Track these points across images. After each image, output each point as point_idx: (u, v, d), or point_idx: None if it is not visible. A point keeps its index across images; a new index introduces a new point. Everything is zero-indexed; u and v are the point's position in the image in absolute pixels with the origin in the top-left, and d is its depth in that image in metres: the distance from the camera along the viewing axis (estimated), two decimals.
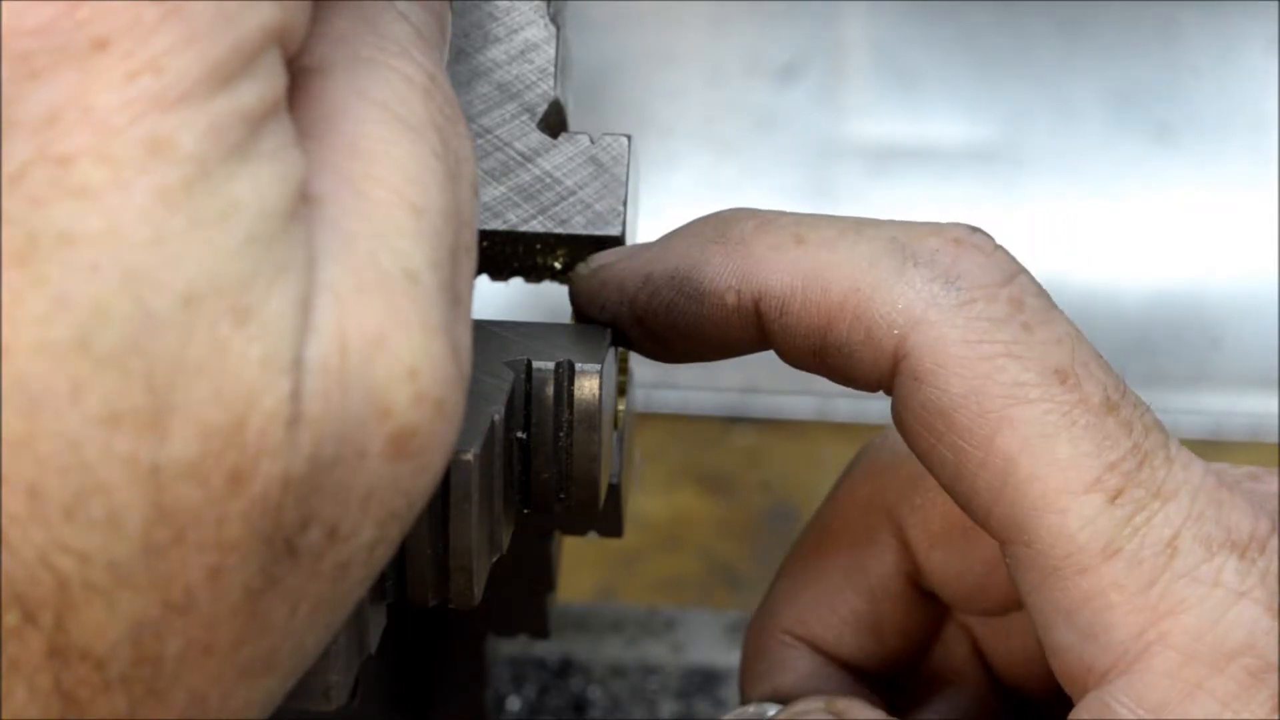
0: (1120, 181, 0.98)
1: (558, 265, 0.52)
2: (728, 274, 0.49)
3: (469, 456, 0.44)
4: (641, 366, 0.57)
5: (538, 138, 0.52)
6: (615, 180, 0.52)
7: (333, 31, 0.38)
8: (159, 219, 0.32)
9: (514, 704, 0.76)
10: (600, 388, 0.48)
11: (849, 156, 0.98)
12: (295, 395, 0.34)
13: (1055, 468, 0.46)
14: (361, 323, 0.35)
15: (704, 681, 0.79)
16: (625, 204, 0.52)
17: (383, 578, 0.45)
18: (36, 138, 0.32)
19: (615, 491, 0.57)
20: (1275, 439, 0.95)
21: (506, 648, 0.77)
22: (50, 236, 0.32)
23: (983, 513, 0.47)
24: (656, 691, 0.77)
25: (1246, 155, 0.98)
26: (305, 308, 0.34)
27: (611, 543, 0.62)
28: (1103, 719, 0.45)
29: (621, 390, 0.54)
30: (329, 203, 0.36)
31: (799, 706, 0.52)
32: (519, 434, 0.48)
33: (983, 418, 0.46)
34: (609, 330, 0.51)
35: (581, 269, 0.51)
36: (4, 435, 0.32)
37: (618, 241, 0.52)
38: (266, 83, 0.34)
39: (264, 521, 0.34)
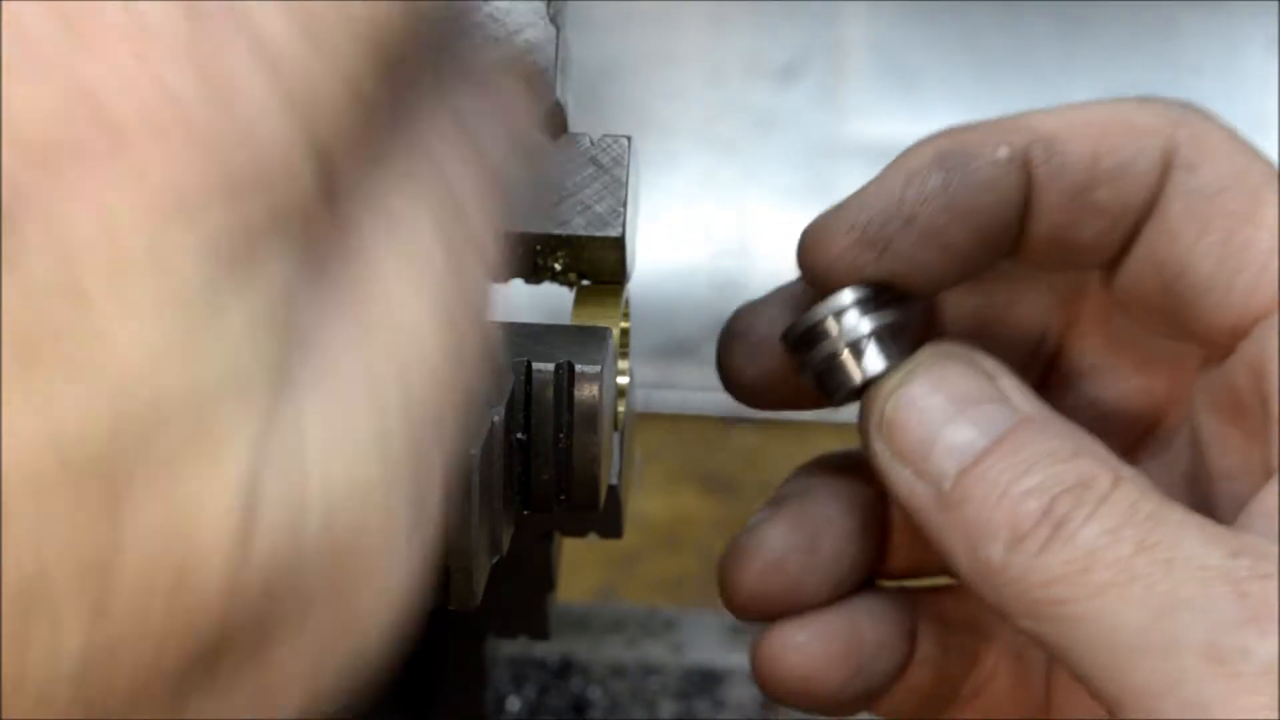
0: None
1: (558, 266, 0.52)
2: (992, 135, 0.51)
3: (470, 456, 0.44)
4: (642, 366, 0.57)
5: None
6: (615, 181, 0.52)
7: (368, 163, 0.38)
8: (149, 330, 0.32)
9: (514, 704, 0.76)
10: (600, 389, 0.48)
11: (849, 156, 0.98)
12: (247, 531, 0.33)
13: None
14: (328, 474, 0.34)
15: (704, 681, 0.79)
16: (625, 205, 0.52)
17: None
18: (40, 231, 0.31)
19: (615, 492, 0.57)
20: None
21: (506, 648, 0.77)
22: (43, 333, 0.31)
23: (1249, 283, 0.49)
24: (656, 691, 0.77)
25: None
26: (274, 446, 0.34)
27: (611, 543, 0.62)
28: None
29: (621, 391, 0.54)
30: (322, 345, 0.35)
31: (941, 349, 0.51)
32: (519, 435, 0.48)
33: (1251, 196, 0.50)
34: (609, 330, 0.51)
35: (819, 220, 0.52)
36: None
37: (618, 242, 0.52)
38: (282, 196, 0.34)
39: (195, 649, 0.34)
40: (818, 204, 0.53)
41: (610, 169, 0.52)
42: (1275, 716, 0.42)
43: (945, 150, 0.51)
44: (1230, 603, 0.44)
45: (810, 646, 0.54)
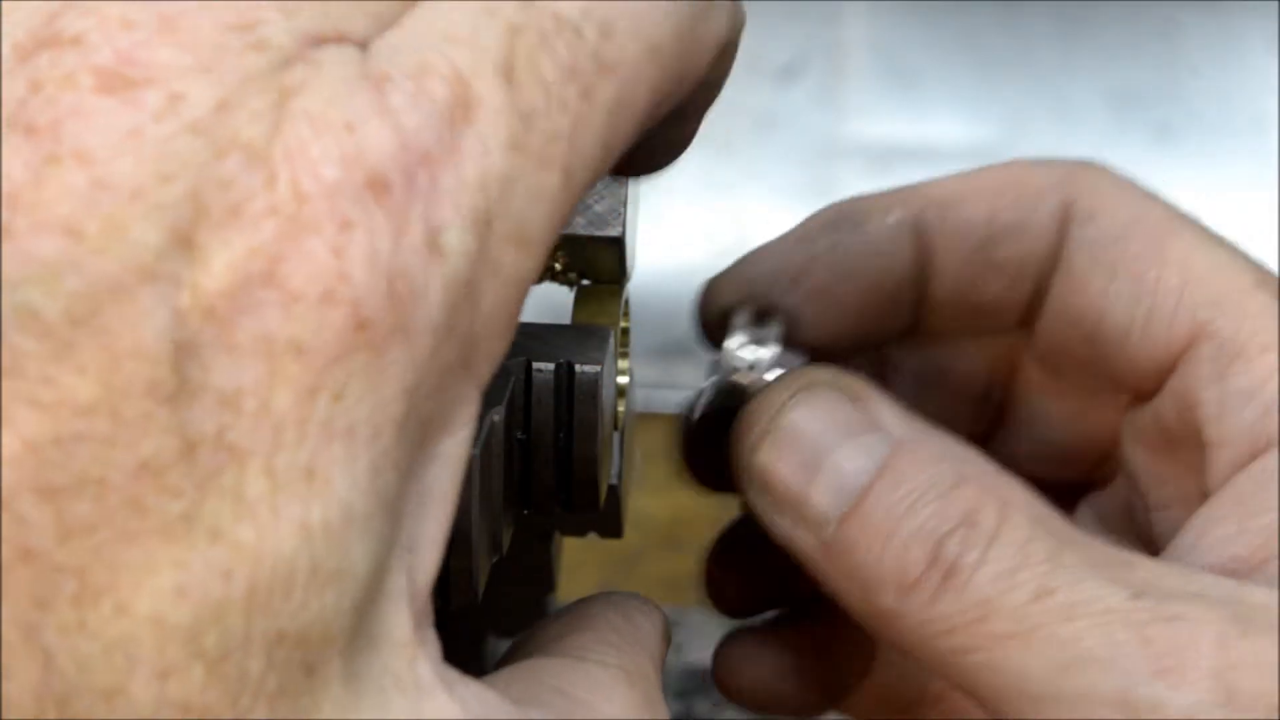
0: None
1: (557, 266, 0.52)
2: (886, 201, 0.52)
3: (470, 456, 0.44)
4: (642, 367, 0.57)
5: None
6: (615, 180, 0.52)
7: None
8: (290, 554, 0.32)
9: None
10: (600, 388, 0.48)
11: (849, 156, 0.98)
12: None
13: (1221, 270, 0.49)
14: None
15: (704, 681, 0.79)
16: (625, 204, 0.52)
17: None
18: (217, 416, 0.31)
19: (615, 492, 0.57)
20: None
21: (506, 648, 0.76)
22: (202, 524, 0.31)
23: (1166, 321, 0.49)
24: None
25: (1246, 155, 0.98)
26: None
27: (611, 543, 0.63)
28: None
29: (621, 391, 0.54)
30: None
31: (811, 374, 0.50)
32: (519, 435, 0.48)
33: (1153, 236, 0.50)
34: (610, 330, 0.51)
35: (710, 281, 0.53)
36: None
37: (618, 242, 0.52)
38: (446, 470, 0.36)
39: None
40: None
41: None
42: None
43: (838, 215, 0.52)
44: (1135, 651, 0.42)
45: (766, 657, 0.55)
